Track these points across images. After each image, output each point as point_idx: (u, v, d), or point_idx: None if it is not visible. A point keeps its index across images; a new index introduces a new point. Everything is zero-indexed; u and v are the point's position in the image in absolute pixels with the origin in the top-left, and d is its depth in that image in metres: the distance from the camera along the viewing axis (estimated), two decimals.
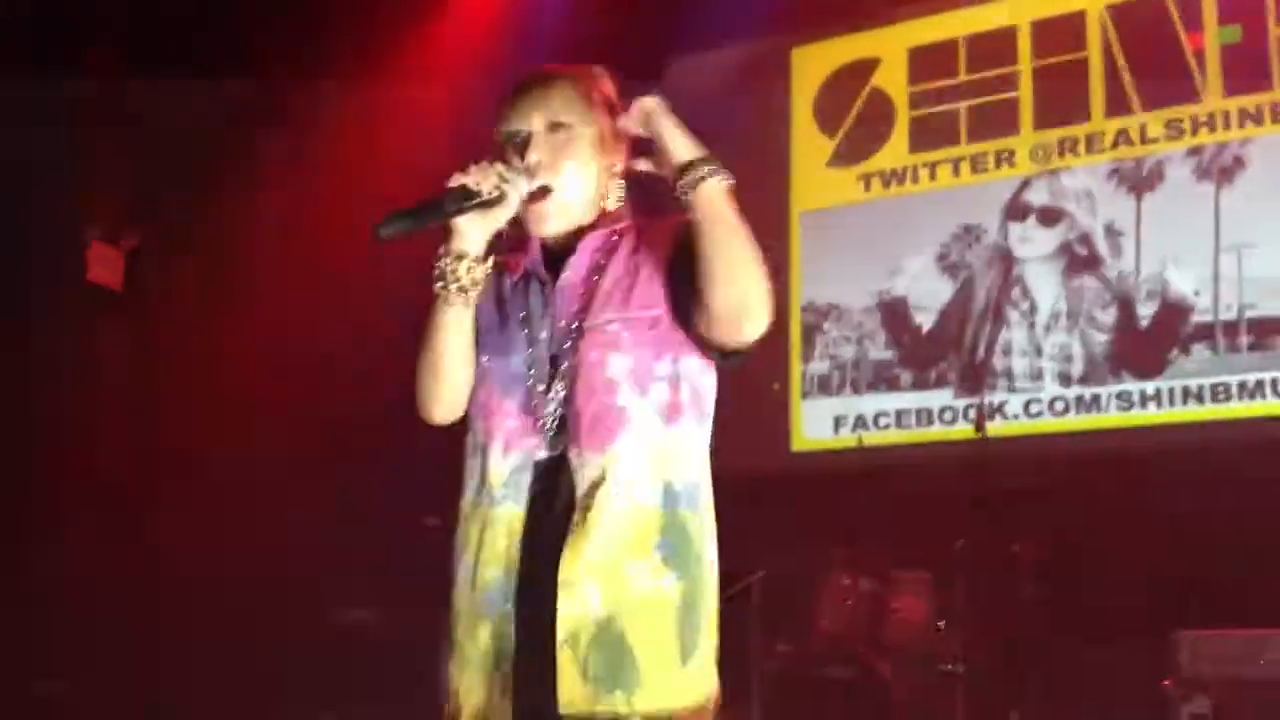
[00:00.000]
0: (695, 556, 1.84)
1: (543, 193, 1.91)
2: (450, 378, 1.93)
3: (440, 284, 1.89)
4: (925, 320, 6.14)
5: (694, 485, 1.87)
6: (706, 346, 1.89)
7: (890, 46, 6.54)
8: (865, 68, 6.58)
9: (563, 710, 1.74)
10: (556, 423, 1.85)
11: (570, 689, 1.74)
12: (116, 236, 5.80)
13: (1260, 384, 5.36)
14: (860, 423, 6.08)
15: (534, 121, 1.94)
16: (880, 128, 6.47)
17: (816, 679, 4.77)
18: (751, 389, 5.25)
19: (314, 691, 5.48)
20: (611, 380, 1.84)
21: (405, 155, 6.25)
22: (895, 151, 6.40)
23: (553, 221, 1.94)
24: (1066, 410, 5.72)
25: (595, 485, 1.80)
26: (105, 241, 5.75)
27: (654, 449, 1.83)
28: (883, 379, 6.17)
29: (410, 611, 5.47)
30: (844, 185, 6.49)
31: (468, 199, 1.84)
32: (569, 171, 1.93)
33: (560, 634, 1.75)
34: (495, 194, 1.84)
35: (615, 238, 1.96)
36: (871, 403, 6.14)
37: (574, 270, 1.93)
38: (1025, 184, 6.07)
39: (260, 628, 5.65)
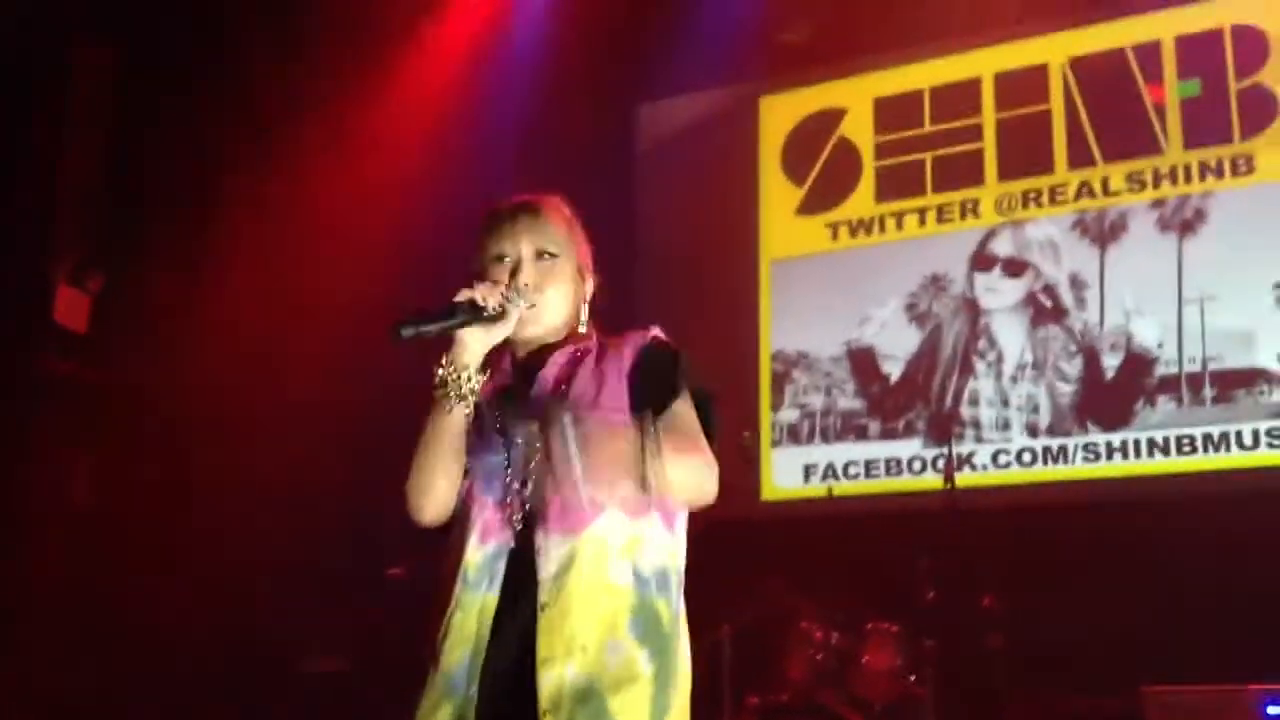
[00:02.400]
0: (665, 638, 1.94)
1: (528, 308, 2.06)
2: (445, 481, 2.03)
3: (442, 391, 1.99)
4: (893, 369, 6.16)
5: (662, 572, 1.98)
6: None
7: (857, 96, 6.60)
8: (832, 117, 6.63)
9: None
10: (525, 514, 1.98)
11: None
12: (83, 279, 5.74)
13: (1225, 436, 5.41)
14: (830, 472, 6.08)
15: (523, 248, 2.10)
16: (847, 177, 6.52)
17: None
18: (721, 438, 5.23)
19: None
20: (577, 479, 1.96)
21: (373, 200, 6.25)
22: (862, 201, 6.45)
23: (533, 328, 2.08)
24: (1034, 461, 5.74)
25: (565, 568, 1.91)
26: (71, 284, 5.70)
27: (620, 537, 1.95)
28: (852, 428, 6.18)
29: (372, 661, 5.43)
30: (812, 234, 6.52)
31: (475, 314, 1.97)
32: (552, 295, 2.09)
33: (541, 703, 1.84)
34: (499, 311, 1.98)
35: (579, 353, 2.11)
36: (841, 452, 6.14)
37: (543, 382, 2.07)
38: (990, 234, 6.13)
39: (225, 677, 5.57)
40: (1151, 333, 5.66)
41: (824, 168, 6.59)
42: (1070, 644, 4.95)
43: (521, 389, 2.09)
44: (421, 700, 1.93)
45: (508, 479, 2.00)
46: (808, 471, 6.15)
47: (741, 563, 5.24)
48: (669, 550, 2.01)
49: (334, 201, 6.24)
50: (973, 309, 6.07)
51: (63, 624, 5.46)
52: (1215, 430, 5.43)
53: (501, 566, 1.95)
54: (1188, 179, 5.77)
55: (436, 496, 2.03)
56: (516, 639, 1.90)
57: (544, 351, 2.11)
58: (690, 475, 1.98)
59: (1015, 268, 6.04)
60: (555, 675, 1.85)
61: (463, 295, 1.98)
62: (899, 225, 6.34)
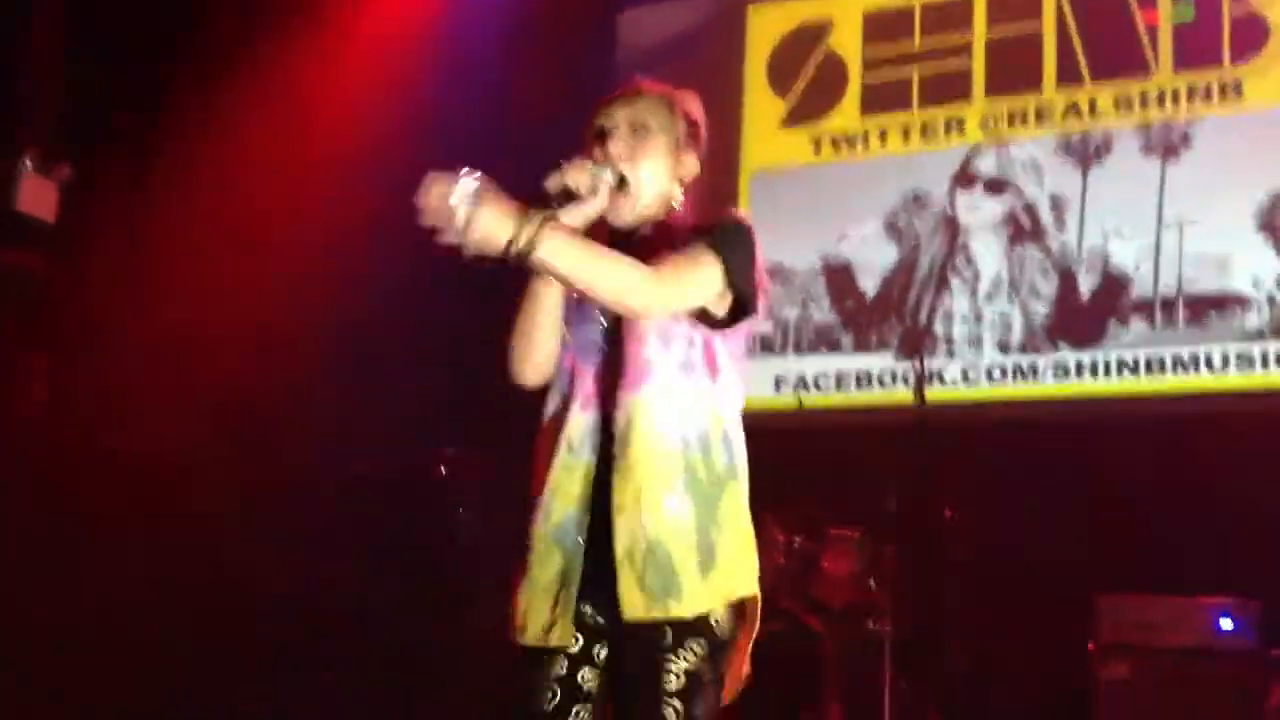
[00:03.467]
0: (704, 493, 2.13)
1: (621, 184, 2.19)
2: (543, 345, 2.21)
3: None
4: (870, 285, 6.15)
5: (705, 432, 2.15)
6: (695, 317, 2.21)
7: (846, 9, 6.52)
8: (820, 29, 6.55)
9: (626, 617, 2.06)
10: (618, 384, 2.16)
11: (631, 598, 2.06)
12: (50, 168, 5.66)
13: (1195, 358, 5.41)
14: (801, 383, 6.09)
15: (618, 120, 2.25)
16: (833, 91, 6.46)
17: None
18: None
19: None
20: (644, 333, 2.15)
21: (336, 103, 6.20)
22: (847, 115, 6.40)
23: (626, 212, 2.22)
24: (1004, 378, 5.75)
25: (628, 426, 2.11)
26: (39, 172, 5.61)
27: (671, 397, 2.13)
28: (825, 341, 6.19)
29: (338, 559, 5.47)
30: (795, 147, 6.47)
31: (569, 197, 2.10)
32: (644, 165, 2.22)
33: (618, 552, 2.07)
34: (591, 189, 2.13)
35: (672, 228, 2.26)
36: (813, 364, 6.15)
37: (634, 254, 2.17)
38: (974, 152, 6.08)
39: (180, 583, 5.59)
40: (1129, 255, 5.64)
41: (810, 80, 6.53)
42: (1030, 556, 5.00)
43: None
44: (531, 551, 2.15)
45: (605, 350, 2.19)
46: (778, 382, 6.16)
47: None
48: (710, 409, 2.16)
49: (306, 106, 6.18)
50: (952, 227, 6.05)
51: (12, 525, 5.44)
52: (1185, 352, 5.44)
53: (599, 434, 2.15)
54: (1175, 103, 5.72)
55: (535, 362, 2.21)
56: (605, 495, 2.11)
57: (639, 226, 2.26)
58: (623, 290, 2.05)
59: (997, 187, 6.01)
60: (627, 525, 2.07)
61: (552, 181, 2.09)
62: (883, 141, 6.29)
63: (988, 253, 5.94)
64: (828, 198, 6.33)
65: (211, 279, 5.91)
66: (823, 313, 6.22)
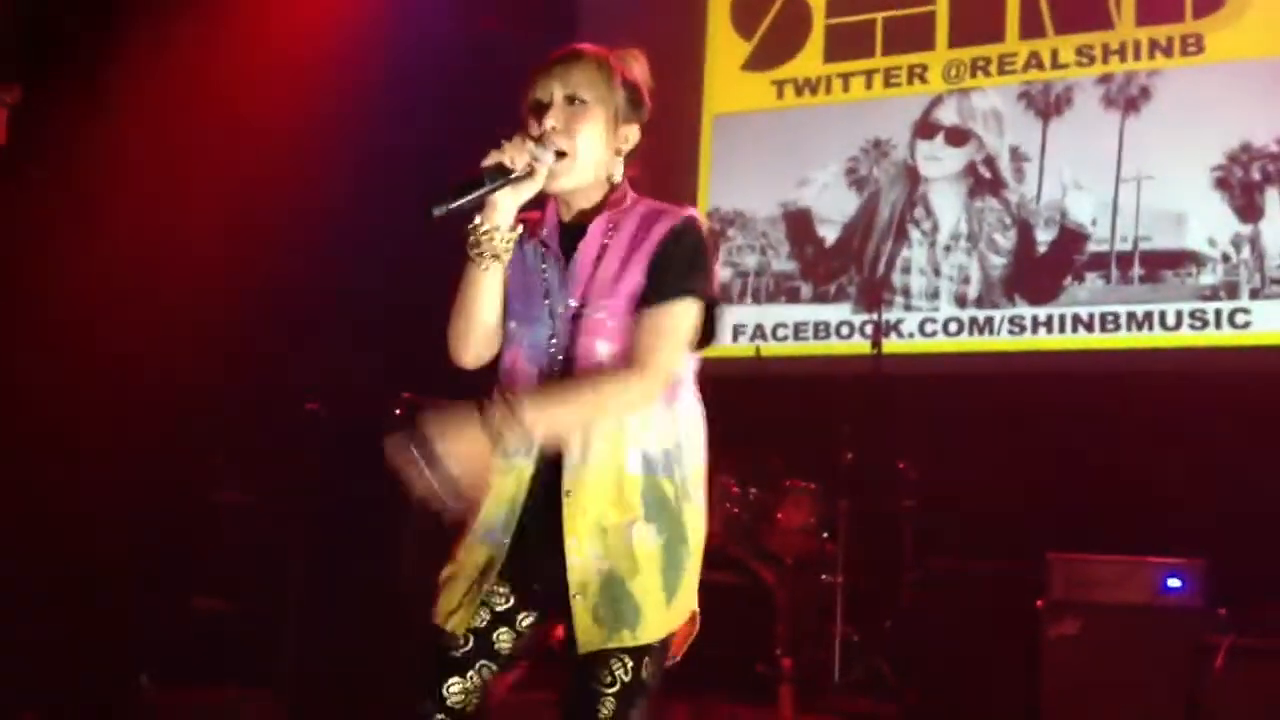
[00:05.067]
0: (672, 514, 2.10)
1: (559, 156, 2.12)
2: (481, 328, 2.17)
3: (475, 250, 2.11)
4: (829, 233, 6.13)
5: (666, 453, 2.12)
6: None
7: None
8: None
9: (581, 649, 2.04)
10: None
11: (586, 631, 2.04)
12: None
13: (1149, 315, 5.47)
14: (759, 333, 6.09)
15: (554, 93, 2.15)
16: (797, 34, 6.39)
17: (701, 583, 4.80)
18: None
19: (190, 573, 5.41)
20: (600, 364, 2.10)
21: (295, 25, 6.04)
22: (810, 60, 6.33)
23: (565, 180, 2.14)
24: (960, 331, 5.78)
25: (584, 456, 2.07)
26: None
27: (631, 423, 2.09)
28: (783, 290, 6.18)
29: (285, 494, 5.42)
30: (758, 90, 6.41)
31: (504, 176, 2.04)
32: (581, 139, 2.13)
33: (571, 585, 2.05)
34: (527, 170, 2.07)
35: (618, 218, 2.18)
36: (771, 314, 6.14)
37: (584, 254, 2.15)
38: (936, 101, 6.06)
39: (136, 506, 5.53)
40: (1086, 209, 5.67)
41: (773, 23, 6.46)
42: (982, 510, 5.05)
43: (565, 254, 2.17)
44: (461, 542, 2.15)
45: (551, 351, 2.13)
46: (736, 331, 6.15)
47: None
48: (669, 429, 2.13)
49: (262, 26, 6.02)
50: (912, 176, 6.03)
51: None
52: (1140, 309, 5.49)
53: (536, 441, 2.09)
54: (1136, 56, 5.72)
55: (474, 346, 2.18)
56: (546, 512, 2.09)
57: (584, 217, 2.19)
58: (625, 407, 2.09)
59: (958, 137, 5.99)
60: (581, 559, 2.05)
61: (490, 159, 2.05)
62: (845, 87, 6.24)
63: (947, 204, 5.94)
64: (789, 143, 6.29)
65: (166, 204, 5.78)
66: (781, 261, 6.20)
